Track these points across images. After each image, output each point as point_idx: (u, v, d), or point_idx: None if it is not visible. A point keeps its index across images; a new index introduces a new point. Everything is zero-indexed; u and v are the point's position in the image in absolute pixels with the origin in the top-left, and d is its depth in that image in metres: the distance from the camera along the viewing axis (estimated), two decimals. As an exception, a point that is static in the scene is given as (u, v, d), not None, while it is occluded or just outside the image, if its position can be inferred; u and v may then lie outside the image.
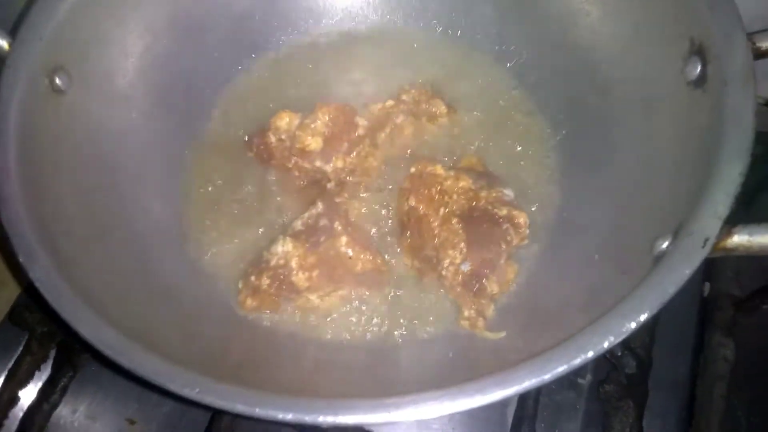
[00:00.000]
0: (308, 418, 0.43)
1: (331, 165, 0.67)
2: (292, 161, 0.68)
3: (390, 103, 0.72)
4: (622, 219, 0.59)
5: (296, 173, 0.69)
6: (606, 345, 0.44)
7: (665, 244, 0.50)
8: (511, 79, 0.75)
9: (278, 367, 0.59)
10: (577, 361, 0.43)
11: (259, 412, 0.43)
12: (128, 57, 0.68)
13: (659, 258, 0.50)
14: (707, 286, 0.73)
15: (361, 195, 0.67)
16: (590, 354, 0.44)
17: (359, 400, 0.44)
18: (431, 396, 0.43)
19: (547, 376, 0.43)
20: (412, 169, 0.65)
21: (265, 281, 0.60)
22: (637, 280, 0.48)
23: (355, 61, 0.77)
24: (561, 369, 0.43)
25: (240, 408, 0.43)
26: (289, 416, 0.43)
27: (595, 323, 0.45)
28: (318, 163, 0.67)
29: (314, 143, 0.66)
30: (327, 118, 0.66)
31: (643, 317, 0.44)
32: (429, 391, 0.44)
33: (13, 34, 0.59)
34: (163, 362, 0.45)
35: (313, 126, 0.66)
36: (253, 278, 0.61)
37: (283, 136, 0.68)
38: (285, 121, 0.67)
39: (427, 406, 0.43)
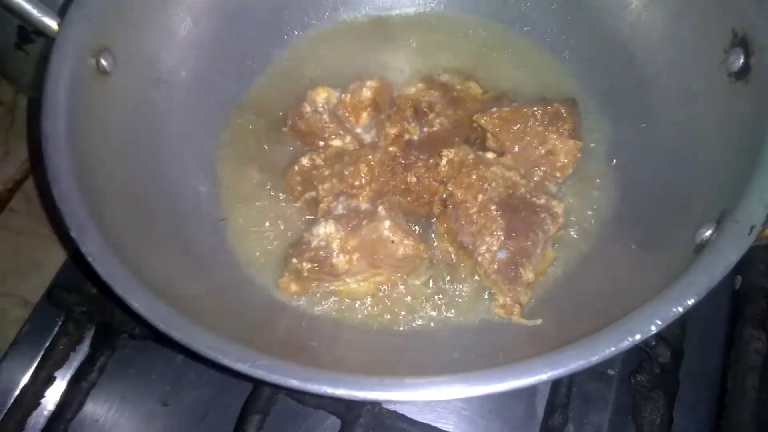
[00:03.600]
0: (359, 394, 0.43)
1: (371, 135, 0.67)
2: (327, 134, 0.68)
3: (421, 86, 0.73)
4: (663, 208, 0.59)
5: (333, 143, 0.69)
6: (653, 329, 0.44)
7: (708, 233, 0.50)
8: (549, 67, 0.75)
9: (315, 349, 0.59)
10: (625, 344, 0.44)
11: (310, 386, 0.43)
12: (171, 40, 0.68)
13: (701, 247, 0.50)
14: (738, 279, 0.73)
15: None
16: (638, 337, 0.44)
17: (407, 377, 0.44)
18: (479, 376, 0.44)
19: (595, 358, 0.44)
20: (452, 156, 0.65)
21: (306, 266, 0.61)
22: (677, 270, 0.48)
23: (393, 45, 0.78)
24: (609, 351, 0.44)
25: (293, 383, 0.43)
26: (340, 391, 0.43)
27: (642, 308, 0.45)
28: (361, 135, 0.67)
29: (364, 114, 0.66)
30: (372, 92, 0.67)
31: (690, 302, 0.45)
32: (476, 372, 0.44)
33: (61, 14, 0.59)
34: (215, 336, 0.46)
35: (359, 98, 0.66)
36: (294, 260, 0.61)
37: (320, 109, 0.68)
38: (323, 96, 0.68)
39: (475, 386, 0.44)
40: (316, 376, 0.44)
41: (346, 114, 0.67)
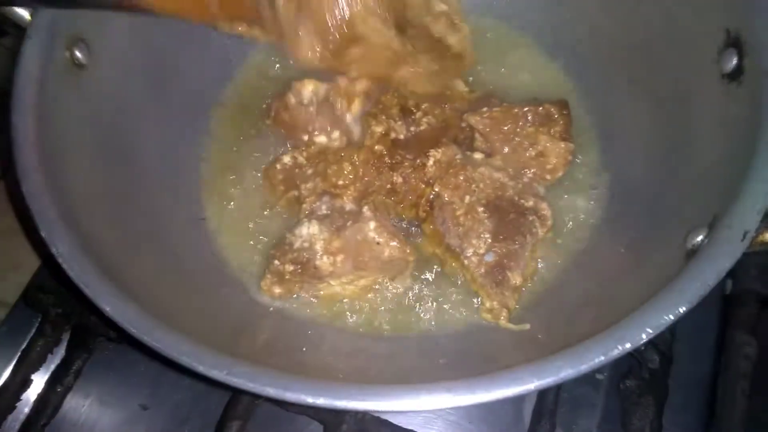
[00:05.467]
0: (339, 404, 0.42)
1: (359, 129, 0.66)
2: (312, 128, 0.67)
3: None
4: (654, 211, 0.58)
5: (319, 143, 0.68)
6: (644, 337, 0.43)
7: (700, 238, 0.49)
8: (540, 65, 0.74)
9: (298, 354, 0.58)
10: (615, 353, 0.42)
11: (289, 396, 0.42)
12: (149, 30, 0.66)
13: (693, 252, 0.49)
14: (729, 283, 0.71)
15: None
16: (627, 345, 0.43)
17: (391, 386, 0.43)
18: (464, 385, 0.43)
19: (584, 367, 0.42)
20: (439, 156, 0.64)
21: (289, 267, 0.59)
22: (667, 275, 0.47)
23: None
24: (598, 360, 0.42)
25: (270, 391, 0.42)
26: (320, 401, 0.41)
27: (632, 315, 0.44)
28: (350, 127, 0.66)
29: (356, 101, 0.65)
30: (364, 84, 0.65)
31: (681, 310, 0.44)
32: (461, 380, 0.43)
33: (34, 4, 0.57)
34: (190, 342, 0.44)
35: (353, 88, 0.65)
36: (276, 262, 0.60)
37: (306, 101, 0.66)
38: (309, 88, 0.66)
39: (460, 395, 0.42)
40: (295, 385, 0.42)
41: (338, 100, 0.65)
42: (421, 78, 0.65)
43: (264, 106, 0.72)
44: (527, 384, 0.42)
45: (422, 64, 0.64)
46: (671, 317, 0.43)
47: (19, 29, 0.58)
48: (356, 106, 0.66)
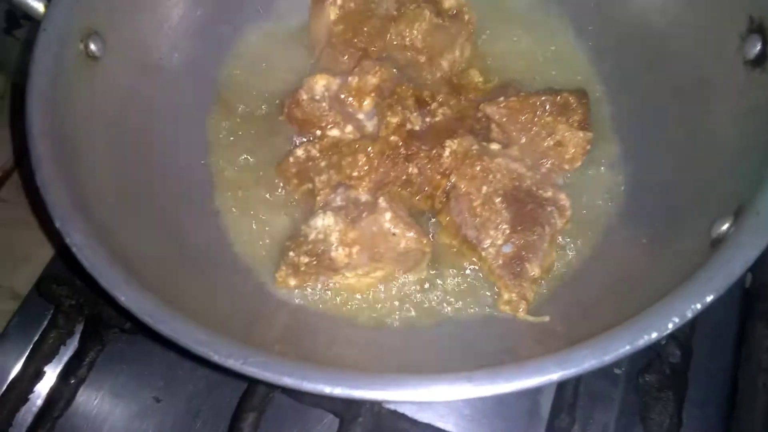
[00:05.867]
0: (357, 393, 0.41)
1: (373, 123, 0.65)
2: (325, 123, 0.66)
3: None
4: (677, 200, 0.57)
5: (332, 136, 0.67)
6: (670, 326, 0.42)
7: (725, 226, 0.48)
8: (560, 51, 0.73)
9: (313, 346, 0.57)
10: (641, 343, 0.42)
11: (306, 385, 0.41)
12: (163, 25, 0.66)
13: (718, 241, 0.48)
14: (749, 276, 0.70)
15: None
16: (654, 335, 0.42)
17: (410, 375, 0.42)
18: (485, 374, 0.42)
19: (608, 357, 0.41)
20: (455, 147, 0.63)
21: (304, 259, 0.58)
22: (692, 265, 0.46)
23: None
24: (623, 350, 0.41)
25: (287, 381, 0.41)
26: (337, 390, 0.41)
27: (658, 304, 0.43)
28: (363, 122, 0.65)
29: (368, 99, 0.64)
30: (378, 78, 0.64)
31: (709, 298, 0.43)
32: (483, 370, 0.42)
33: (48, -3, 0.57)
34: (206, 332, 0.43)
35: (364, 83, 0.64)
36: (292, 254, 0.59)
37: (318, 96, 0.66)
38: (321, 83, 0.66)
39: (481, 386, 0.41)
40: (312, 375, 0.41)
41: (350, 99, 0.64)
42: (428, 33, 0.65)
43: (277, 102, 0.71)
44: (551, 374, 0.41)
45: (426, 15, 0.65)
46: (698, 306, 0.42)
47: (33, 21, 0.58)
48: (368, 103, 0.65)
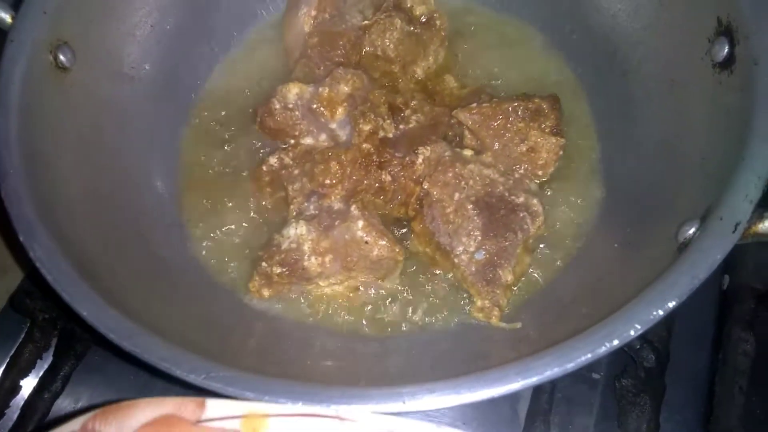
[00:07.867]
0: (320, 407, 0.41)
1: (346, 132, 0.64)
2: (298, 131, 0.66)
3: None
4: (647, 205, 0.57)
5: (305, 144, 0.67)
6: (632, 333, 0.42)
7: (692, 230, 0.48)
8: (531, 57, 0.73)
9: (286, 356, 0.57)
10: (602, 350, 0.41)
11: (268, 399, 0.41)
12: (135, 34, 0.66)
13: (685, 245, 0.48)
14: (726, 278, 0.70)
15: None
16: (615, 342, 0.42)
17: (373, 388, 0.42)
18: (448, 385, 0.42)
19: (571, 365, 0.41)
20: (428, 153, 0.63)
21: (277, 269, 0.58)
22: (660, 269, 0.46)
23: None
24: (585, 358, 0.41)
25: (249, 395, 0.41)
26: (299, 404, 0.41)
27: (620, 311, 0.43)
28: (336, 131, 0.65)
29: (339, 109, 0.64)
30: (350, 86, 0.64)
31: (671, 304, 0.42)
32: (445, 381, 0.42)
33: (15, 7, 0.57)
34: (169, 346, 0.43)
35: (335, 93, 0.64)
36: (264, 264, 0.59)
37: (291, 105, 0.65)
38: (294, 92, 0.65)
39: (444, 396, 0.41)
40: (274, 388, 0.41)
41: (321, 109, 0.64)
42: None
43: (250, 110, 0.71)
44: (512, 383, 0.41)
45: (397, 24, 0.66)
46: (660, 312, 0.42)
47: (1, 32, 0.58)
48: (340, 113, 0.65)
